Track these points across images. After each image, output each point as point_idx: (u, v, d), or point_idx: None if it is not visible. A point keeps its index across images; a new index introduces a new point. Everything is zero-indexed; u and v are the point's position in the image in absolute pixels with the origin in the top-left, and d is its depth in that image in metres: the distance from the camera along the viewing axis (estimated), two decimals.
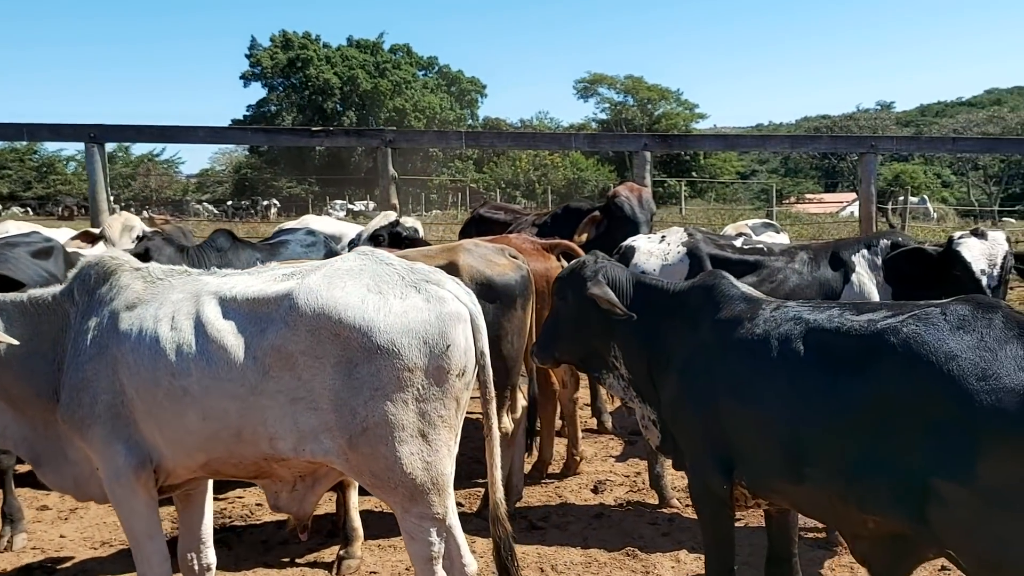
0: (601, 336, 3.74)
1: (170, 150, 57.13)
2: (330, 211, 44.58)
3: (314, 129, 8.88)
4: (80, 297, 3.33)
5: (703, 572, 3.65)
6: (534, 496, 6.01)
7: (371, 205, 45.64)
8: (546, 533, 5.32)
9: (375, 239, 6.43)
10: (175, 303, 3.16)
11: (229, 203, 50.11)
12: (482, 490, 5.83)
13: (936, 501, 2.60)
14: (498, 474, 3.26)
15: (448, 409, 3.06)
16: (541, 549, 5.10)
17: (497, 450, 3.25)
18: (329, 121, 51.10)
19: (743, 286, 3.51)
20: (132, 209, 44.70)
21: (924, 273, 4.64)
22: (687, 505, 5.52)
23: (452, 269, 5.30)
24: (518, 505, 5.76)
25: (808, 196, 46.56)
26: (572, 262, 4.11)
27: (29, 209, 44.97)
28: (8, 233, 6.45)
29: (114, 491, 3.25)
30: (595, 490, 6.11)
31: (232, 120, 54.66)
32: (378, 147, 8.89)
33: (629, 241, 5.47)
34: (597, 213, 6.68)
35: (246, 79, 58.20)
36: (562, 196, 45.68)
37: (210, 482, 3.68)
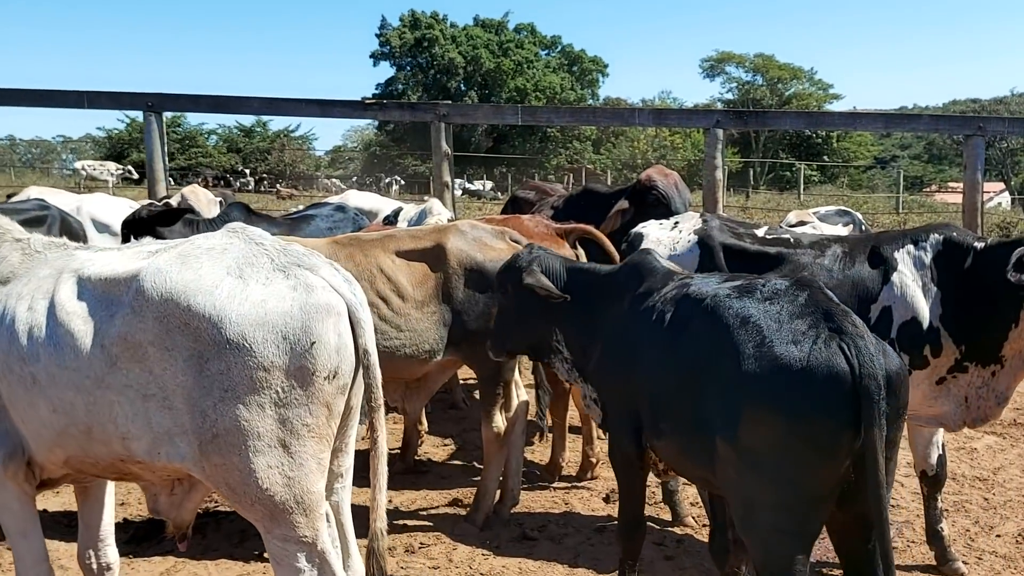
0: (543, 323, 3.88)
1: (305, 126, 59.00)
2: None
3: (367, 102, 8.57)
4: None
5: None
6: (537, 502, 5.50)
7: (488, 185, 45.66)
8: (536, 545, 4.81)
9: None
10: (39, 280, 2.83)
11: (354, 179, 51.30)
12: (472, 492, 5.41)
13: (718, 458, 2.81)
14: (382, 499, 2.79)
15: (315, 417, 2.61)
16: (524, 564, 4.61)
17: (382, 468, 2.77)
18: (453, 100, 51.29)
19: (667, 263, 3.64)
20: (266, 182, 46.58)
21: None
22: (704, 525, 4.90)
23: (439, 252, 4.85)
24: (515, 511, 5.28)
25: (951, 184, 43.24)
26: (508, 256, 4.17)
27: (171, 179, 47.37)
28: (26, 198, 6.43)
29: None
30: (607, 499, 5.54)
31: (362, 98, 55.64)
32: (432, 121, 8.51)
33: (639, 228, 4.87)
34: (625, 203, 6.07)
35: (375, 58, 59.26)
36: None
37: None
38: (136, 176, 43.22)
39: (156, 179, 8.84)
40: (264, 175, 51.49)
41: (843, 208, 7.60)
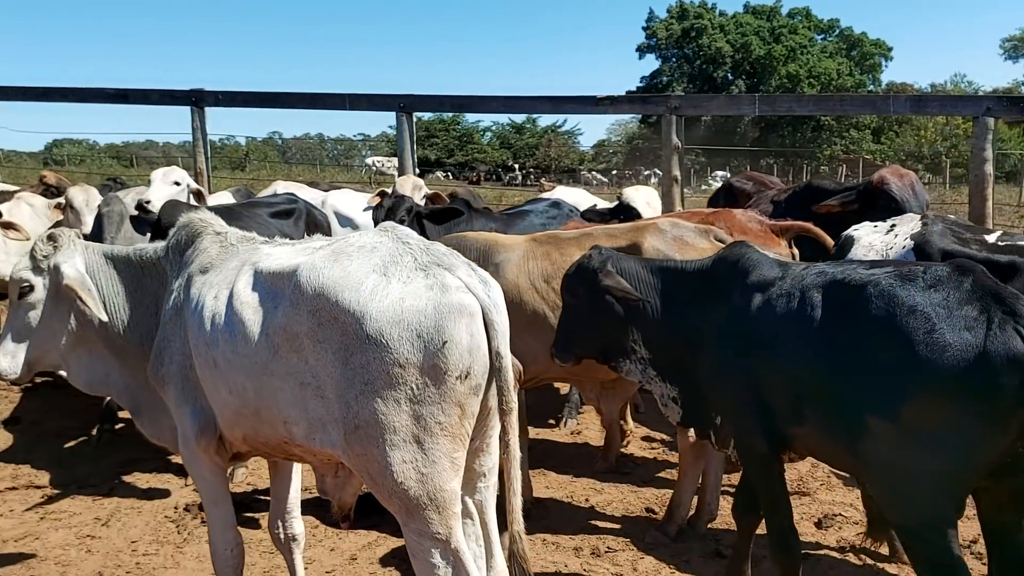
0: (619, 324, 3.86)
1: (571, 121, 60.33)
2: (710, 181, 43.87)
3: (599, 97, 8.53)
4: (173, 257, 3.43)
5: None
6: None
7: (779, 183, 43.86)
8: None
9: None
10: (228, 271, 3.10)
11: (614, 172, 51.68)
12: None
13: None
14: (517, 501, 2.74)
15: (448, 416, 2.63)
16: None
17: (516, 472, 2.72)
18: (718, 91, 49.82)
19: (771, 253, 3.66)
20: (532, 177, 48.29)
21: None
22: None
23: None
24: (713, 525, 5.02)
25: None
26: (577, 259, 4.09)
27: (450, 174, 50.65)
28: (274, 193, 7.08)
29: (183, 453, 3.33)
30: (819, 524, 5.10)
31: (626, 91, 56.00)
32: (663, 114, 8.30)
33: (851, 231, 4.44)
34: (852, 197, 5.51)
35: (641, 51, 59.23)
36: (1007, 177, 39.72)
37: None
38: (418, 171, 46.69)
39: (406, 170, 9.39)
40: (531, 169, 53.44)
41: None
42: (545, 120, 61.34)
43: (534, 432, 6.87)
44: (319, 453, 2.89)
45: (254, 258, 3.05)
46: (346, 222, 7.31)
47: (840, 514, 5.18)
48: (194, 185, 6.51)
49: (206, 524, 4.86)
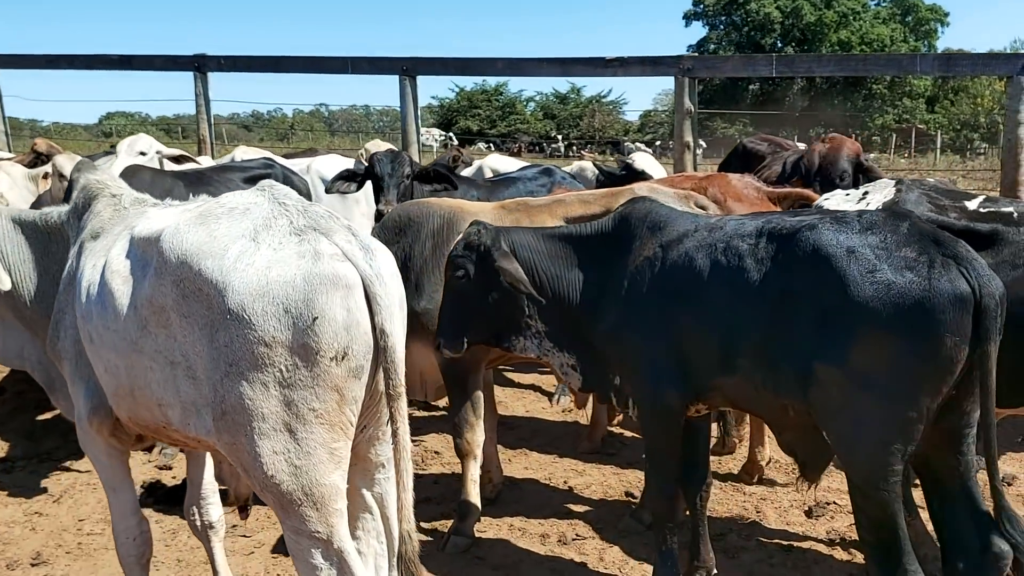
0: (515, 302, 3.62)
1: (616, 91, 59.29)
2: None
3: (608, 58, 8.06)
4: (72, 221, 3.16)
5: None
6: (724, 506, 4.83)
7: (801, 147, 42.72)
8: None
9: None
10: (111, 237, 2.82)
11: (658, 143, 50.67)
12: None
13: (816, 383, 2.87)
14: (407, 498, 2.42)
15: (323, 402, 2.31)
16: None
17: (404, 464, 2.39)
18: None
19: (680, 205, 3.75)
20: (575, 147, 47.61)
21: None
22: None
23: None
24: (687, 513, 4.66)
25: None
26: (463, 234, 3.73)
27: (492, 145, 50.20)
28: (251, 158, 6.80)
29: (79, 434, 3.07)
30: (809, 513, 4.71)
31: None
32: (675, 76, 7.83)
33: (821, 200, 4.05)
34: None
35: (688, 18, 57.78)
36: None
37: None
38: (456, 142, 46.32)
39: (409, 141, 9.04)
40: (574, 140, 52.67)
41: None
42: (590, 90, 60.39)
43: (524, 410, 6.57)
44: (198, 440, 2.60)
45: (134, 221, 2.76)
46: None
47: (834, 502, 4.79)
48: (168, 151, 6.25)
49: (150, 502, 4.71)
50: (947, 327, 2.68)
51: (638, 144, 49.08)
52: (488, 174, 7.09)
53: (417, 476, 5.23)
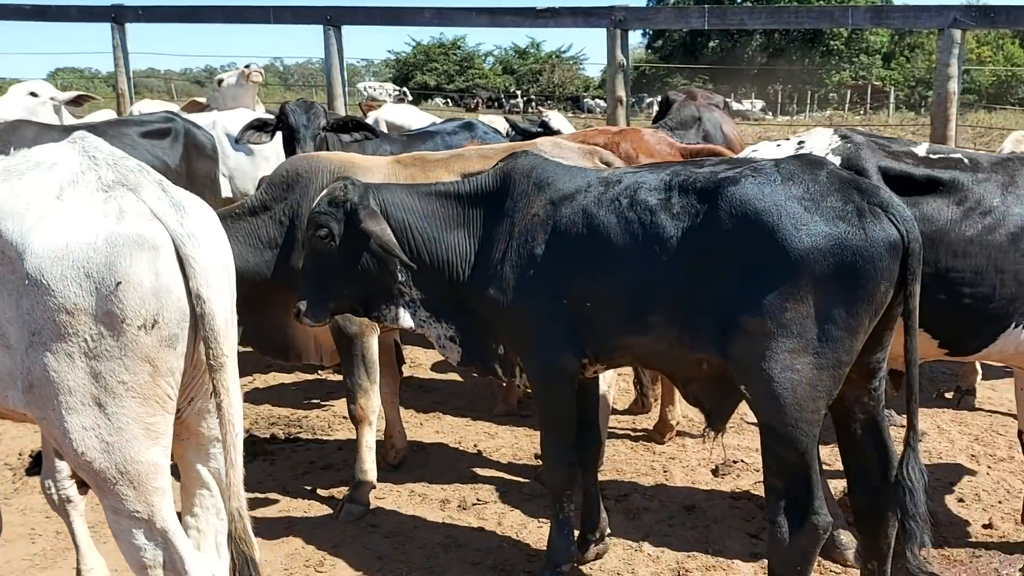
0: (386, 267, 3.37)
1: (576, 46, 58.58)
2: None
3: (538, 9, 7.82)
4: None
5: None
6: (633, 466, 4.77)
7: (758, 104, 42.65)
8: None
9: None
10: None
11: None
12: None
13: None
14: (236, 475, 2.26)
15: (134, 374, 2.13)
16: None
17: (231, 439, 2.23)
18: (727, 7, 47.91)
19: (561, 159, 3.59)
20: (534, 104, 47.09)
21: None
22: None
23: None
24: (604, 476, 4.58)
25: None
26: (327, 189, 3.42)
27: (449, 100, 49.46)
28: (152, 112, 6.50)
29: None
30: (716, 471, 4.66)
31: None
32: (607, 28, 7.63)
33: (747, 151, 3.89)
34: None
35: None
36: (990, 98, 38.34)
37: None
38: (411, 98, 45.54)
39: (335, 95, 8.77)
40: (534, 97, 52.08)
41: None
42: (549, 45, 59.69)
43: (440, 372, 6.43)
44: (18, 415, 2.42)
45: None
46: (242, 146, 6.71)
47: (741, 460, 4.76)
48: (63, 96, 5.93)
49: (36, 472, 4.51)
50: (882, 274, 2.71)
51: (597, 101, 48.81)
52: (383, 128, 6.81)
53: (322, 442, 5.13)
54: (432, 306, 3.47)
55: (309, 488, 4.53)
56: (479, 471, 4.74)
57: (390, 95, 44.54)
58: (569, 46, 58.45)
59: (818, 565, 3.59)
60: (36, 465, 4.56)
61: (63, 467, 3.22)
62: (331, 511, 4.25)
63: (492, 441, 5.15)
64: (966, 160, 3.51)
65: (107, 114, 8.39)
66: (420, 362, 6.55)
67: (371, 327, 4.17)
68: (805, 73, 45.07)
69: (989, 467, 4.73)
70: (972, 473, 4.68)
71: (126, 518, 2.24)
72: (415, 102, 44.45)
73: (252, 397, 5.87)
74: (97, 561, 3.35)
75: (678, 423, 5.10)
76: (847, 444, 3.12)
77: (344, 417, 5.46)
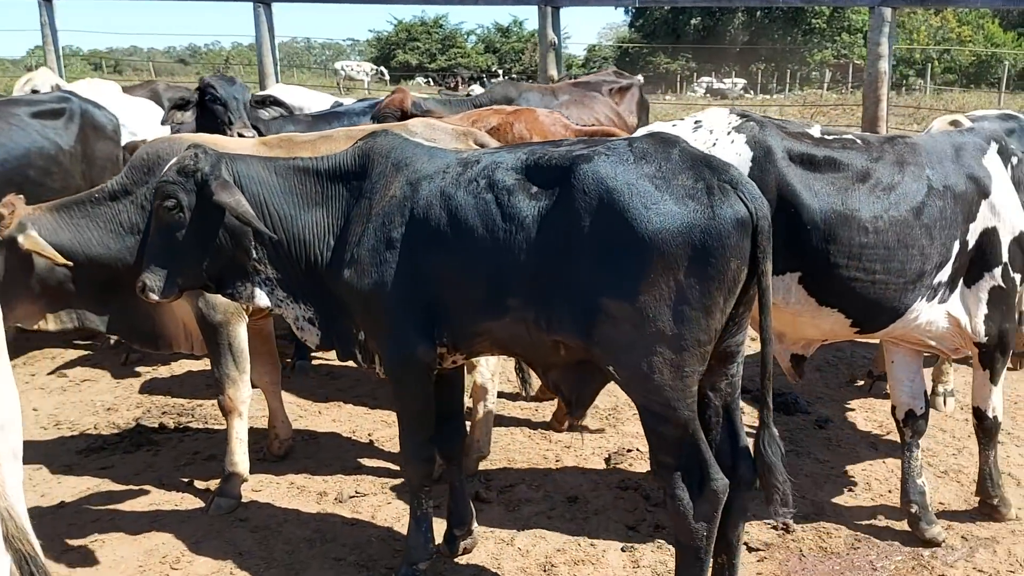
0: (239, 241, 3.23)
1: (560, 24, 58.21)
2: (696, 88, 42.35)
3: None
4: None
5: None
6: (525, 455, 4.65)
7: (740, 83, 42.41)
8: (483, 511, 3.94)
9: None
10: None
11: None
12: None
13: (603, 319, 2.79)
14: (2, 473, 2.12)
15: None
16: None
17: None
18: None
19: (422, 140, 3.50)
20: (518, 81, 46.75)
21: None
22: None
23: None
24: (496, 463, 4.52)
25: None
26: (175, 159, 3.23)
27: (431, 79, 49.03)
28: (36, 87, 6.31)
29: None
30: (608, 460, 4.56)
31: None
32: (538, 6, 7.46)
33: (644, 131, 3.76)
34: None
35: None
36: (969, 78, 38.21)
37: None
38: (388, 77, 45.12)
39: (266, 73, 8.57)
40: (516, 75, 51.72)
41: (1008, 111, 5.51)
42: (533, 23, 59.36)
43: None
44: None
45: None
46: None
47: (636, 449, 4.65)
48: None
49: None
50: (732, 251, 2.70)
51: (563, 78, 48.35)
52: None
53: (211, 432, 5.00)
54: (289, 286, 3.33)
55: (187, 480, 4.40)
56: (366, 462, 4.62)
57: (368, 74, 44.10)
58: None
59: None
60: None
61: None
62: (204, 504, 4.13)
63: (388, 430, 5.02)
64: (859, 140, 3.60)
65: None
66: None
67: (238, 315, 4.03)
68: (787, 52, 44.83)
69: (887, 455, 4.63)
70: (869, 461, 4.59)
71: None
72: (395, 80, 44.01)
73: (151, 386, 5.73)
74: None
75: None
76: (701, 428, 3.03)
77: None
